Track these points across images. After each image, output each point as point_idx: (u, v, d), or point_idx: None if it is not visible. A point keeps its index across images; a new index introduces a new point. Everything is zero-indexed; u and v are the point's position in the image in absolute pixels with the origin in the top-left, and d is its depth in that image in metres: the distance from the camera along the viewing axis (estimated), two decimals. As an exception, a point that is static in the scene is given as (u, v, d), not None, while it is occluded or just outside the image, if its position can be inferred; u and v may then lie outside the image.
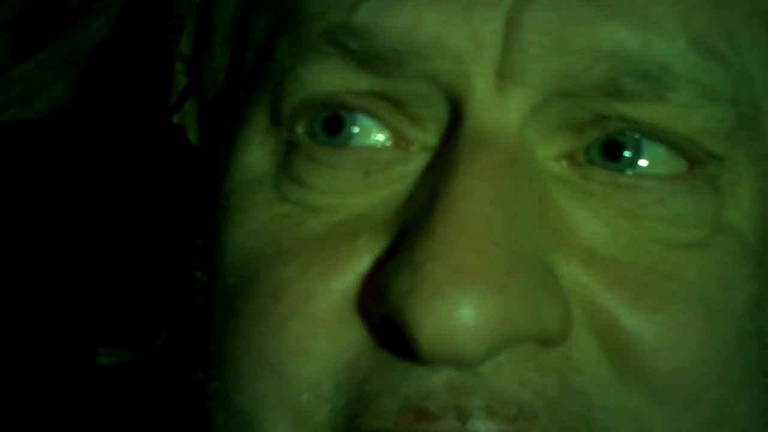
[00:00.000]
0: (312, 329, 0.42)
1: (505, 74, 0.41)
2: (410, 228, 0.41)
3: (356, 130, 0.44)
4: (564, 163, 0.43)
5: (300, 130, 0.45)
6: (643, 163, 0.43)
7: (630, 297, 0.42)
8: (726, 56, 0.43)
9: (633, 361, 0.42)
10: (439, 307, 0.38)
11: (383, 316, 0.40)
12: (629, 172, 0.43)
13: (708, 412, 0.43)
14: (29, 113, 0.64)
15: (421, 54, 0.42)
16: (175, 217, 0.60)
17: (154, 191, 0.60)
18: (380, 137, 0.44)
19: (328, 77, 0.44)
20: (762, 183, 0.45)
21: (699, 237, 0.43)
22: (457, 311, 0.38)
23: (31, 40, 0.63)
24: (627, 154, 0.43)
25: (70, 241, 0.70)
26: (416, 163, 0.44)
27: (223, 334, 0.45)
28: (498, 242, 0.39)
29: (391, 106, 0.44)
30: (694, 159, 0.43)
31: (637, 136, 0.43)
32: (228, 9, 0.52)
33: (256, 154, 0.47)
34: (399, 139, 0.44)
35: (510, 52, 0.41)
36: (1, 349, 0.71)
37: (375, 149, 0.44)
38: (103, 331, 0.68)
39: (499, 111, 0.42)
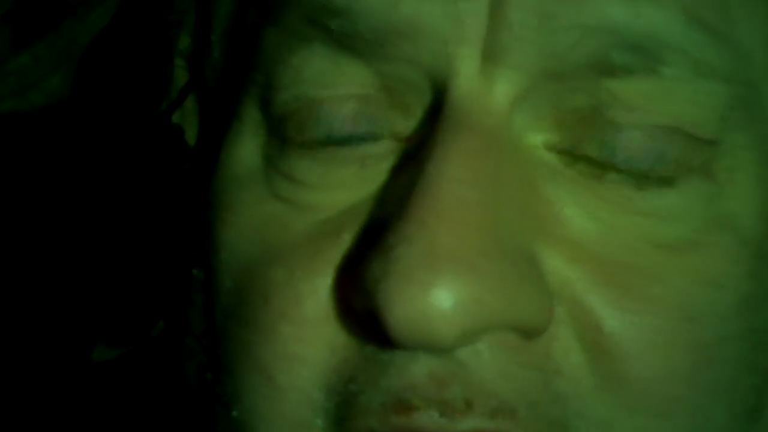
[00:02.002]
0: (301, 333, 0.42)
1: (490, 56, 0.40)
2: (388, 216, 0.40)
3: (350, 128, 0.44)
4: (554, 151, 0.42)
5: (293, 126, 0.44)
6: (633, 159, 0.42)
7: (614, 297, 0.41)
8: (720, 31, 0.41)
9: (612, 365, 0.41)
10: (410, 290, 0.37)
11: (363, 308, 0.40)
12: (623, 166, 0.41)
13: (680, 420, 0.42)
14: (25, 105, 0.64)
15: (401, 34, 0.41)
16: (170, 215, 0.60)
17: (149, 190, 0.60)
18: (375, 133, 0.44)
19: (314, 63, 0.43)
20: (765, 168, 0.43)
21: (687, 232, 0.42)
22: (428, 293, 0.37)
23: (28, 32, 0.62)
24: (621, 151, 0.42)
25: (65, 235, 0.69)
26: (405, 152, 0.43)
27: (223, 339, 0.45)
28: (473, 225, 0.38)
29: (381, 98, 0.43)
30: (684, 149, 0.42)
31: (629, 131, 0.41)
32: (225, 2, 0.51)
33: (247, 148, 0.46)
34: (392, 132, 0.43)
35: (495, 32, 0.40)
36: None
37: (371, 143, 0.44)
38: (97, 326, 0.67)
39: (484, 94, 0.41)
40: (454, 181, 0.39)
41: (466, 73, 0.41)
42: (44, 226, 0.69)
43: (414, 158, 0.41)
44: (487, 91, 0.41)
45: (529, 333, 0.40)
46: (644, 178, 0.42)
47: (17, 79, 0.63)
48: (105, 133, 0.62)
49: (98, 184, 0.65)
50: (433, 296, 0.37)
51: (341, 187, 0.43)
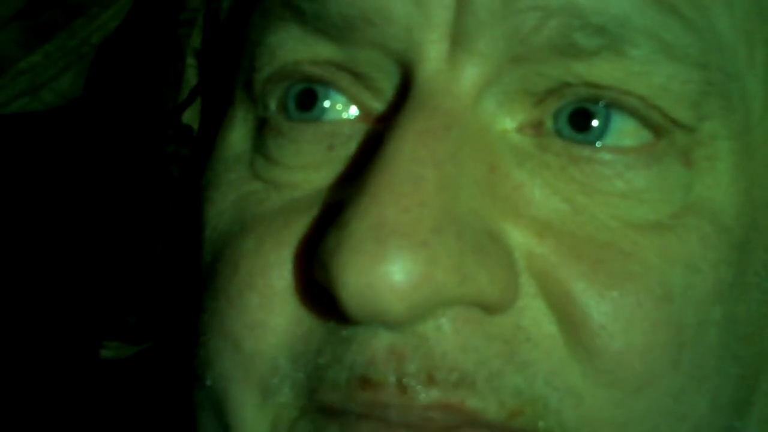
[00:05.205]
0: (267, 302, 0.43)
1: (457, 41, 0.41)
2: (350, 194, 0.41)
3: (327, 104, 0.44)
4: (527, 134, 0.43)
5: (272, 105, 0.45)
6: (610, 134, 0.42)
7: (585, 271, 0.41)
8: (690, 17, 0.41)
9: (583, 337, 0.41)
10: (359, 263, 0.38)
11: (322, 282, 0.40)
12: (598, 144, 0.42)
13: (659, 400, 0.42)
14: (37, 105, 0.64)
15: (369, 20, 0.41)
16: (180, 212, 0.60)
17: (157, 188, 0.60)
18: (348, 110, 0.44)
19: (290, 44, 0.44)
20: (744, 158, 0.43)
21: (663, 216, 0.42)
22: (377, 267, 0.38)
23: (40, 31, 0.62)
24: (595, 123, 0.42)
25: (73, 233, 0.69)
26: (374, 134, 0.43)
27: (200, 312, 0.45)
28: (425, 202, 0.39)
29: (353, 78, 0.44)
30: (658, 128, 0.42)
31: (602, 104, 0.42)
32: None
33: (238, 132, 0.47)
34: (363, 112, 0.44)
35: (461, 18, 0.41)
36: (3, 340, 0.71)
37: (340, 123, 0.44)
38: (105, 324, 0.67)
39: (450, 79, 0.41)
40: (410, 159, 0.40)
41: (433, 58, 0.41)
42: (54, 224, 0.69)
43: (380, 139, 0.42)
44: (454, 76, 0.41)
45: (491, 308, 0.40)
46: (621, 157, 0.42)
47: (29, 77, 0.63)
48: (116, 134, 0.62)
49: (109, 182, 0.65)
50: (382, 269, 0.38)
51: (312, 167, 0.44)
